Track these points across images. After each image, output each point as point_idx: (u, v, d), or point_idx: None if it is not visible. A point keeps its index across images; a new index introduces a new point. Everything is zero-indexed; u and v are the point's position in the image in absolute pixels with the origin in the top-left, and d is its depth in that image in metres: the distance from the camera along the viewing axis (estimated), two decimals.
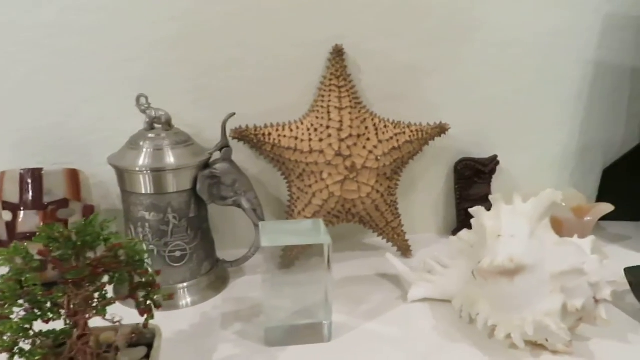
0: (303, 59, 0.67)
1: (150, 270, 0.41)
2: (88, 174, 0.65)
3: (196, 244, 0.58)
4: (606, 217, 0.80)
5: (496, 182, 0.77)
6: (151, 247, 0.56)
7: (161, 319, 0.45)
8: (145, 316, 0.42)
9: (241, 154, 0.68)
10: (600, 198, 0.81)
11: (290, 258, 0.60)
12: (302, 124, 0.65)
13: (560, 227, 0.69)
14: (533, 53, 0.73)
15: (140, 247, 0.41)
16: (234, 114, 0.60)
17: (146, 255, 0.42)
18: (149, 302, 0.42)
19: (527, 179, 0.79)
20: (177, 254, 0.57)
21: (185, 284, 0.59)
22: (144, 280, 0.41)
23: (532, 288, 0.46)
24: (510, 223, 0.49)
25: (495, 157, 0.74)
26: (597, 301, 0.46)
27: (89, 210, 0.61)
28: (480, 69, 0.73)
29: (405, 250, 0.69)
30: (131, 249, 0.40)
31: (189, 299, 0.59)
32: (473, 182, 0.73)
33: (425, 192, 0.76)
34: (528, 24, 0.72)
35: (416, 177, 0.75)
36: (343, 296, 0.60)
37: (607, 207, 0.70)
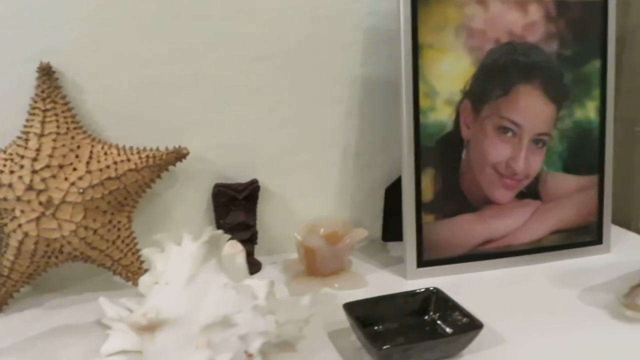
0: (10, 78, 0.59)
1: None
2: None
3: None
4: (392, 238, 0.78)
5: (268, 206, 0.72)
6: None
7: None
8: None
9: None
10: (386, 218, 0.78)
11: None
12: (4, 153, 0.57)
13: (313, 257, 0.65)
14: (291, 69, 0.69)
15: None
16: None
17: None
18: None
19: (303, 203, 0.74)
20: None
21: None
22: None
23: (177, 345, 0.40)
24: (173, 267, 0.44)
25: (253, 181, 0.69)
26: (248, 355, 0.41)
27: None
28: (233, 86, 0.67)
29: None
30: None
31: None
32: (229, 209, 0.68)
33: (183, 221, 0.69)
34: (284, 39, 0.68)
35: (170, 207, 0.68)
36: (33, 351, 0.52)
37: (362, 233, 0.66)
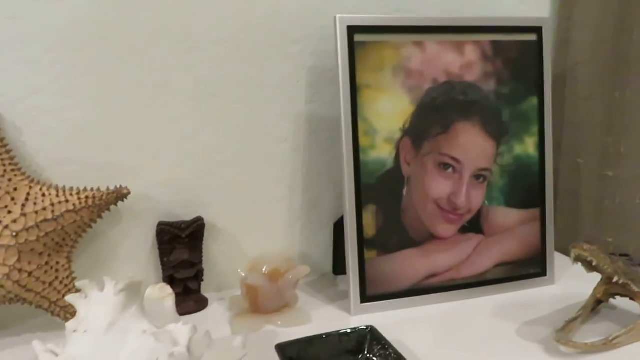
0: None
1: None
2: None
3: None
4: (343, 271, 0.78)
5: (215, 242, 0.73)
6: None
7: None
8: None
9: None
10: (335, 251, 0.79)
11: None
12: None
13: (256, 294, 0.65)
14: (237, 107, 0.70)
15: None
16: None
17: None
18: None
19: (251, 239, 0.75)
20: None
21: None
22: None
23: None
24: (93, 314, 0.44)
25: (198, 219, 0.69)
26: None
27: None
28: (178, 123, 0.68)
29: None
30: None
31: None
32: (173, 247, 0.68)
33: (128, 260, 0.69)
34: (230, 77, 0.69)
35: (115, 245, 0.69)
36: None
37: (304, 269, 0.66)
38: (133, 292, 0.44)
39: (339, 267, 0.79)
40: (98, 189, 0.62)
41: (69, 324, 0.48)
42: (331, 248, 0.79)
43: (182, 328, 0.45)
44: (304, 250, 0.78)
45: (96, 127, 0.65)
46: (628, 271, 0.57)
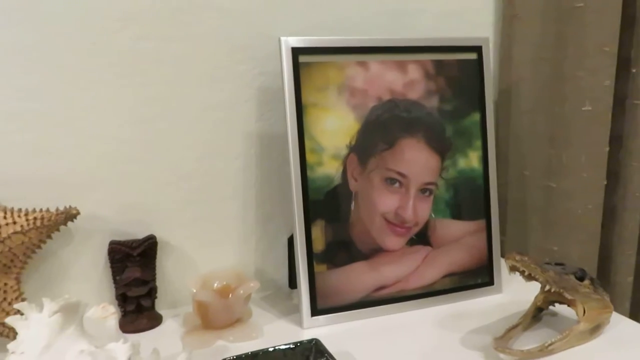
0: None
1: None
2: None
3: None
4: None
5: (169, 260, 0.74)
6: None
7: None
8: None
9: None
10: (291, 265, 0.80)
11: None
12: None
13: (206, 311, 0.66)
14: (189, 127, 0.72)
15: None
16: None
17: None
18: None
19: (206, 255, 0.76)
20: None
21: None
22: None
23: None
24: (31, 336, 0.45)
25: (149, 237, 0.70)
26: None
27: None
28: (127, 144, 0.69)
29: None
30: None
31: None
32: (125, 265, 0.69)
33: (80, 280, 0.70)
34: (180, 98, 0.71)
35: (67, 265, 0.69)
36: None
37: (254, 285, 0.68)
38: (70, 312, 0.45)
39: (295, 280, 0.80)
40: (47, 210, 0.63)
41: (10, 346, 0.49)
42: (286, 262, 0.80)
43: (121, 347, 0.47)
44: (259, 265, 0.80)
45: (44, 148, 0.66)
46: (559, 280, 0.59)
